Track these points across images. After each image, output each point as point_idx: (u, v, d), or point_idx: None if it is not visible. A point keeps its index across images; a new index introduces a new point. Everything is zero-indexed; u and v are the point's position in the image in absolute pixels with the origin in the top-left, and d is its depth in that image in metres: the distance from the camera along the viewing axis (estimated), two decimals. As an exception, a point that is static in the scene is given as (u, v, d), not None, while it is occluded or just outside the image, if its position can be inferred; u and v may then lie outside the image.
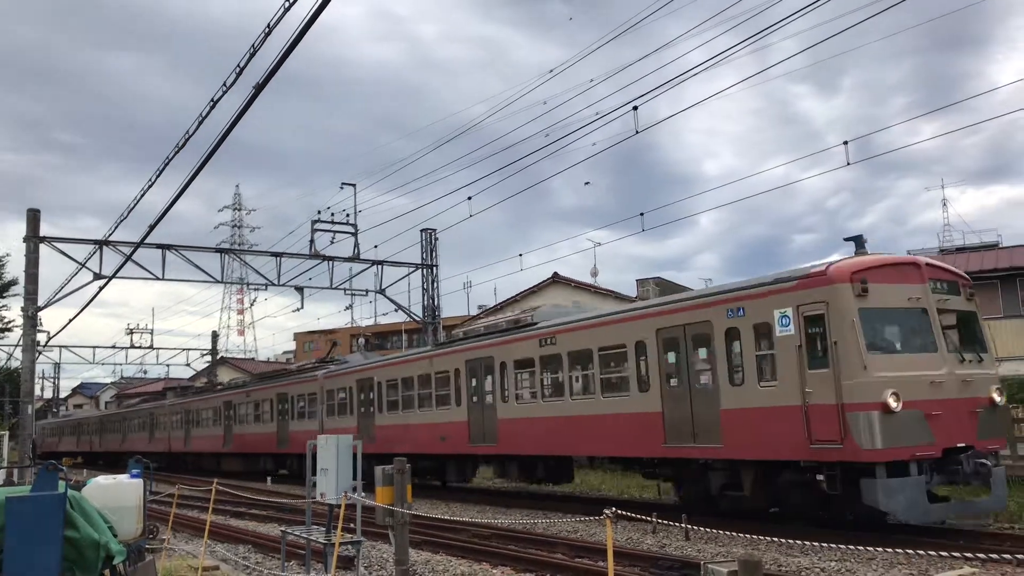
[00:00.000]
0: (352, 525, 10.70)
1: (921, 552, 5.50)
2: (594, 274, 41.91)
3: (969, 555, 5.26)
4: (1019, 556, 9.25)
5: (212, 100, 12.54)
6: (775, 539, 6.77)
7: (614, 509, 6.18)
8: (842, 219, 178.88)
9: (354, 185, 31.75)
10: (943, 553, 5.32)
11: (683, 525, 12.46)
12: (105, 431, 55.56)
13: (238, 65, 11.32)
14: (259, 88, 10.86)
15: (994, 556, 5.23)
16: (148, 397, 57.01)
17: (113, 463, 50.40)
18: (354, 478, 10.30)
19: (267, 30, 10.27)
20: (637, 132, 17.99)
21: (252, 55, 10.93)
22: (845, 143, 16.32)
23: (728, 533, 6.77)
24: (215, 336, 59.94)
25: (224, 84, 11.93)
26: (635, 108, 17.14)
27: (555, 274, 38.61)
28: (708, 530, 6.59)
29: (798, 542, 6.41)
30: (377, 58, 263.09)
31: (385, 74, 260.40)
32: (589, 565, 11.16)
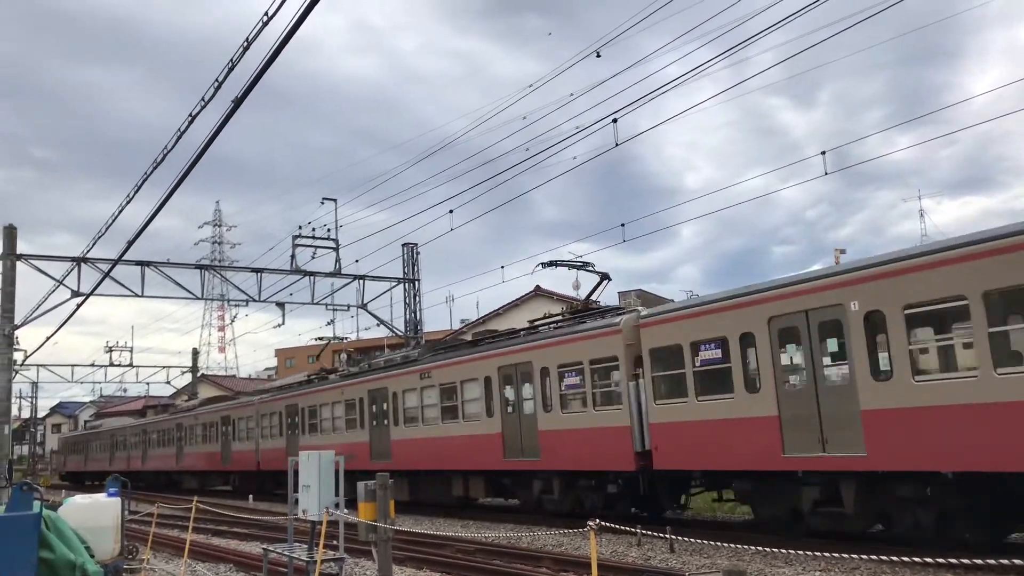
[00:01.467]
0: (335, 542, 10.60)
1: (907, 559, 5.49)
2: (576, 287, 41.88)
3: (954, 560, 5.26)
4: (1003, 563, 9.29)
5: (191, 115, 12.47)
6: (760, 549, 6.74)
7: (598, 521, 6.15)
8: (820, 230, 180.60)
9: (335, 200, 31.81)
10: (928, 559, 5.32)
11: (668, 537, 12.43)
12: (151, 444, 43.80)
13: (216, 79, 11.27)
14: (238, 102, 10.80)
15: (978, 562, 5.24)
16: (220, 395, 44.15)
17: (160, 487, 40.20)
18: (336, 494, 10.20)
19: (246, 44, 10.23)
20: (617, 144, 18.09)
21: (231, 69, 10.88)
22: (823, 153, 16.42)
23: (713, 544, 6.75)
24: (196, 353, 59.52)
25: (203, 99, 11.87)
26: (615, 121, 17.27)
27: (537, 287, 38.64)
28: (693, 541, 6.57)
29: (782, 551, 6.39)
30: (356, 72, 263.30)
31: (364, 88, 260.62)
32: (574, 578, 11.12)
